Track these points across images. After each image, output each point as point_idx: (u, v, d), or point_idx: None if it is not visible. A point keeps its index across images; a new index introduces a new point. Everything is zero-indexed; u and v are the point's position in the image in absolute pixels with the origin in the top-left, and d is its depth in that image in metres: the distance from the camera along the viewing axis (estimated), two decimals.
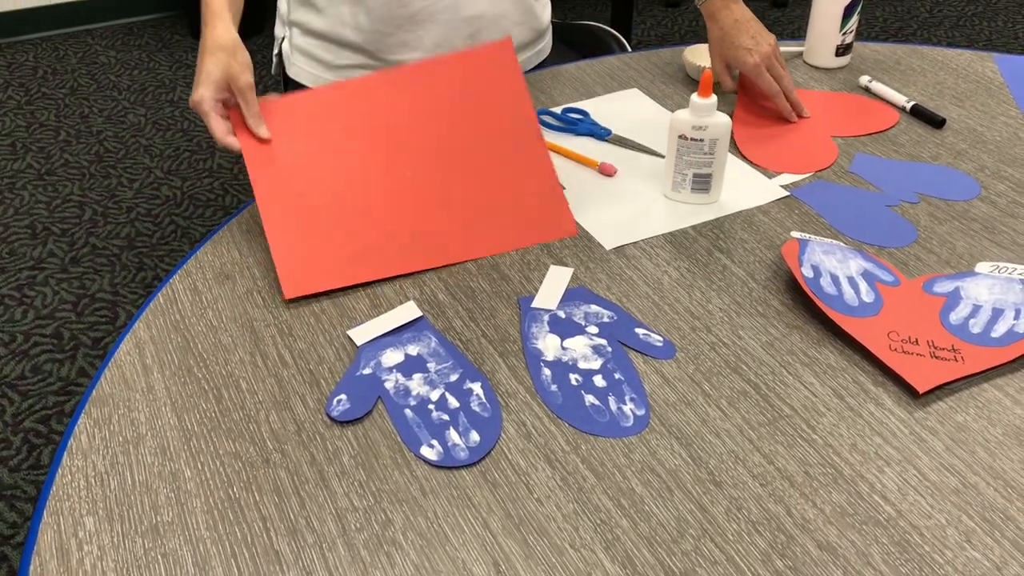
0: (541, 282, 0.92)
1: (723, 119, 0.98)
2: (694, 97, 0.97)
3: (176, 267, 0.94)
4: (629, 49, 1.53)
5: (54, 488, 0.71)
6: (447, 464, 0.73)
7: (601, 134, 1.18)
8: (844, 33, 1.27)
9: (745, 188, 1.06)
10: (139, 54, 3.20)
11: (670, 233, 0.99)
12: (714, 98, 0.97)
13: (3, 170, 2.55)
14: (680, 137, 0.99)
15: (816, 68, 1.31)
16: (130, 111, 2.84)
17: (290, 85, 1.33)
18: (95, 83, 3.00)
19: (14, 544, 1.58)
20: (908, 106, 1.19)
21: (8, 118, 2.80)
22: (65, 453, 0.74)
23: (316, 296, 0.90)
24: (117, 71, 3.07)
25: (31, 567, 0.66)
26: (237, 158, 2.58)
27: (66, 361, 1.94)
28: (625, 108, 1.21)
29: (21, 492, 1.67)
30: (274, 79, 2.79)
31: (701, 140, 0.99)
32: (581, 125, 1.18)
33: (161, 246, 2.27)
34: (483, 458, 0.74)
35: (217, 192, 2.46)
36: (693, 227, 1.00)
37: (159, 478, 0.72)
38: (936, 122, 1.16)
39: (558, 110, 1.21)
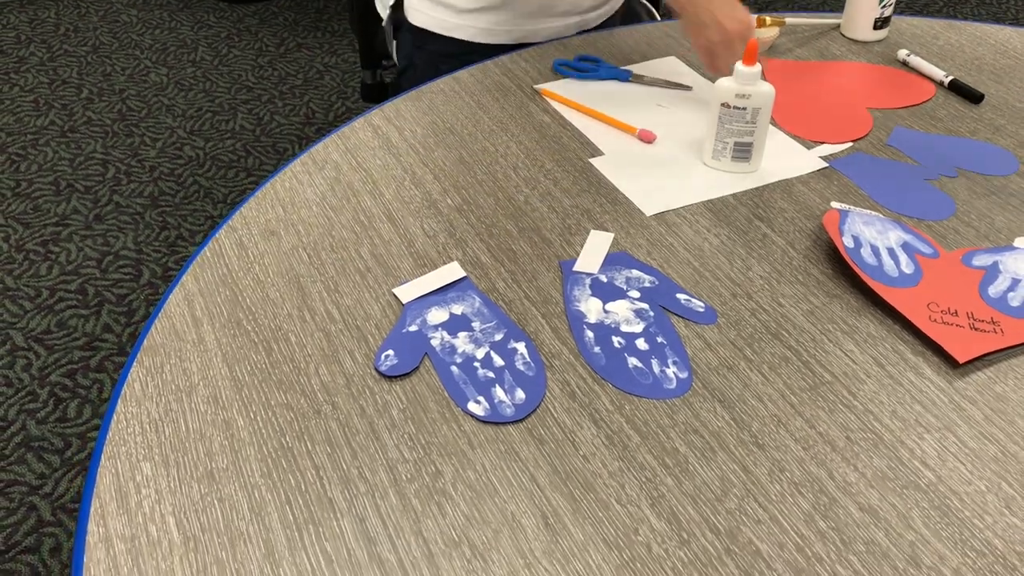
0: (582, 246, 0.93)
1: (767, 88, 0.98)
2: (739, 65, 0.98)
3: (221, 223, 0.95)
4: (659, 18, 1.53)
5: (110, 433, 0.73)
6: (494, 420, 0.75)
7: (623, 76, 1.19)
8: (883, 6, 1.27)
9: (784, 158, 1.06)
10: (160, 13, 3.19)
11: (710, 201, 0.99)
12: (759, 66, 0.97)
13: (27, 126, 2.56)
14: (723, 105, 1.00)
15: (853, 41, 1.31)
16: (152, 70, 2.84)
17: (404, 34, 1.35)
18: (117, 41, 3.00)
19: (42, 494, 1.61)
20: (946, 81, 1.19)
21: (31, 74, 2.81)
22: (119, 400, 0.76)
23: (360, 254, 0.91)
24: (139, 30, 3.07)
25: (92, 507, 0.68)
26: (260, 118, 2.59)
27: (91, 317, 1.96)
28: (665, 76, 1.21)
29: (48, 444, 1.69)
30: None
31: (744, 109, 0.99)
32: (601, 70, 1.19)
33: (184, 206, 2.28)
34: (529, 415, 0.75)
35: (239, 154, 2.47)
36: (733, 195, 1.00)
37: (212, 426, 0.74)
38: (975, 97, 1.16)
39: (571, 58, 1.23)
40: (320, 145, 1.07)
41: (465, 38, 1.31)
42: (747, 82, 0.98)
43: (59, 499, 1.60)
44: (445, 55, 1.31)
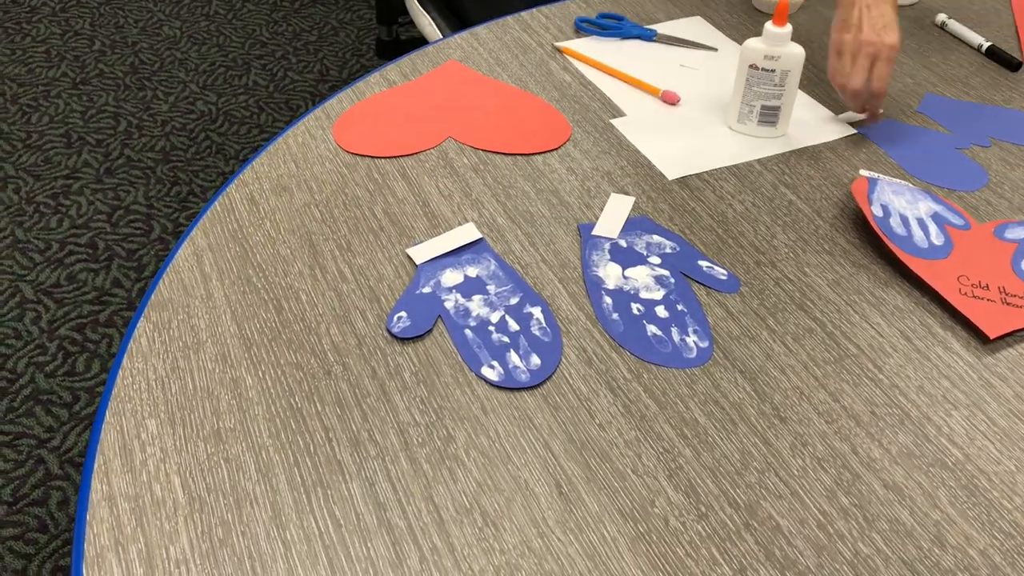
0: (602, 210, 0.90)
1: (797, 50, 0.95)
2: (768, 25, 0.94)
3: (232, 176, 0.93)
4: None
5: (115, 389, 0.71)
6: (508, 385, 0.73)
7: (647, 35, 1.16)
8: None
9: (812, 123, 1.03)
10: None
11: (735, 166, 0.97)
12: (789, 27, 0.94)
13: (38, 77, 2.53)
14: (750, 67, 0.96)
15: None
16: (165, 23, 2.80)
17: None
18: None
19: (50, 447, 1.61)
20: (984, 47, 1.15)
21: (43, 24, 2.77)
22: (125, 356, 0.74)
23: (374, 213, 0.89)
24: None
25: (95, 464, 0.66)
26: (273, 75, 2.56)
27: (100, 271, 1.95)
28: (688, 37, 1.18)
29: (57, 398, 1.69)
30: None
31: (772, 71, 0.96)
32: (625, 28, 1.16)
33: (196, 161, 2.26)
34: (544, 381, 0.73)
35: (252, 110, 2.44)
36: (758, 160, 0.97)
37: (220, 384, 0.72)
38: (1012, 65, 1.12)
39: (593, 15, 1.20)
40: (334, 99, 1.04)
41: None
42: (776, 43, 0.94)
43: (67, 453, 1.60)
44: None
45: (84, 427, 1.64)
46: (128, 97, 2.47)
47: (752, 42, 0.96)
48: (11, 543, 1.47)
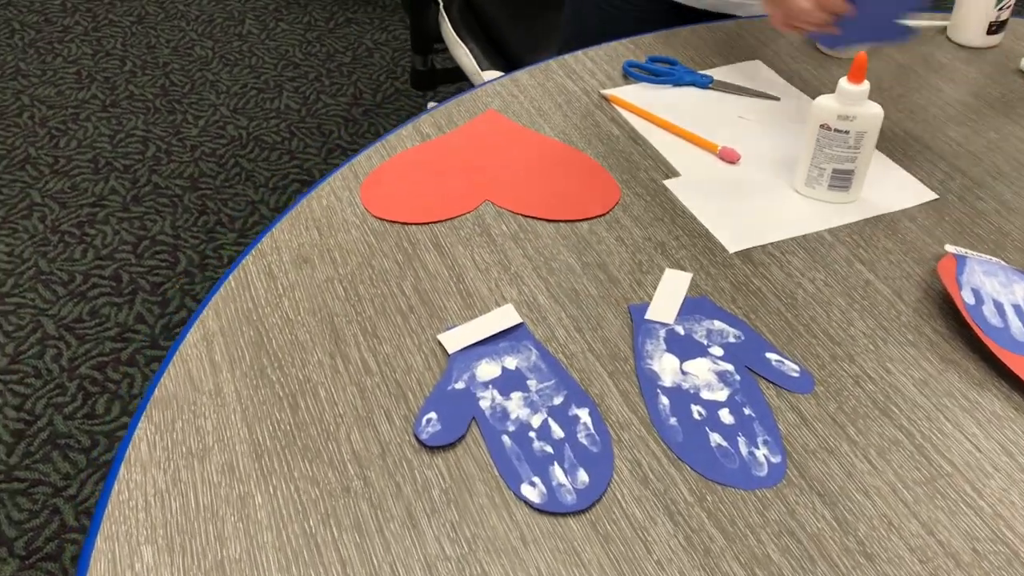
0: (655, 287, 0.81)
1: (875, 110, 0.85)
2: (843, 82, 0.85)
3: (251, 245, 0.85)
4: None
5: (109, 508, 0.63)
6: (551, 509, 0.64)
7: (703, 82, 1.07)
8: (1000, 7, 1.12)
9: (887, 186, 0.93)
10: None
11: (803, 236, 0.87)
12: (867, 84, 0.84)
13: (68, 99, 2.49)
14: (822, 127, 0.87)
15: (962, 47, 1.17)
16: (197, 43, 2.75)
17: None
18: (163, 12, 2.91)
19: (66, 496, 1.54)
20: None
21: (74, 44, 2.73)
22: (122, 464, 0.66)
23: (403, 289, 0.80)
24: (185, 1, 2.98)
25: None
26: (306, 98, 2.49)
27: (124, 306, 1.89)
28: (746, 84, 1.08)
29: (75, 442, 1.63)
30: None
31: (847, 132, 0.86)
32: (678, 74, 1.07)
33: (225, 189, 2.19)
34: (593, 504, 0.64)
35: (284, 135, 2.37)
36: (829, 231, 0.88)
37: (226, 502, 0.64)
38: None
39: (643, 59, 1.11)
40: (363, 156, 0.96)
41: None
42: (852, 102, 0.85)
43: (83, 503, 1.53)
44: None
45: (102, 475, 1.57)
46: (158, 121, 2.42)
47: (824, 100, 0.86)
48: None
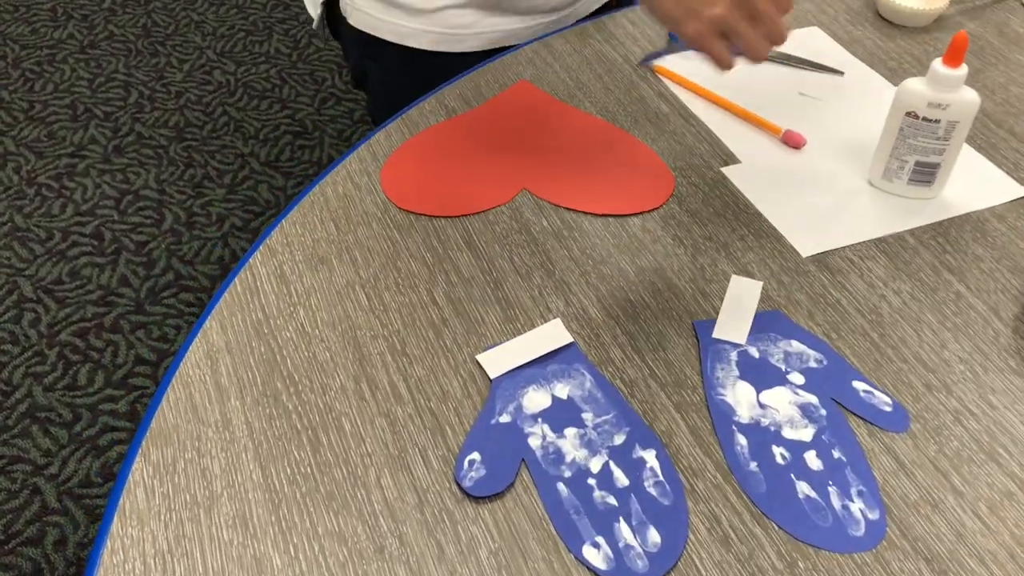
0: (721, 298, 0.71)
1: (971, 97, 0.75)
2: (937, 65, 0.74)
3: (257, 241, 0.74)
4: None
5: (100, 572, 0.54)
6: None
7: None
8: None
9: (970, 180, 0.83)
10: None
11: (882, 239, 0.77)
12: (964, 68, 0.74)
13: (43, 38, 2.33)
14: (908, 115, 0.77)
15: None
16: None
17: (348, 38, 1.05)
18: None
19: (47, 475, 1.45)
20: None
21: None
22: (116, 516, 0.56)
23: (434, 298, 0.70)
24: None
25: None
26: (296, 41, 2.35)
27: (106, 267, 1.77)
28: (806, 56, 0.97)
29: (56, 416, 1.52)
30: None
31: (936, 122, 0.76)
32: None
33: (212, 140, 2.06)
34: (669, 571, 0.55)
35: (274, 81, 2.23)
36: (911, 232, 0.78)
37: (239, 566, 0.54)
38: None
39: None
40: (381, 132, 0.85)
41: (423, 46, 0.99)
42: (947, 88, 0.74)
43: (66, 483, 1.44)
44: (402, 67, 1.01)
45: (85, 452, 1.48)
46: (140, 64, 2.27)
47: (913, 84, 0.76)
48: None
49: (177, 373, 0.64)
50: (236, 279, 0.71)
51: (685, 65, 0.94)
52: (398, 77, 1.02)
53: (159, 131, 2.08)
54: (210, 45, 2.34)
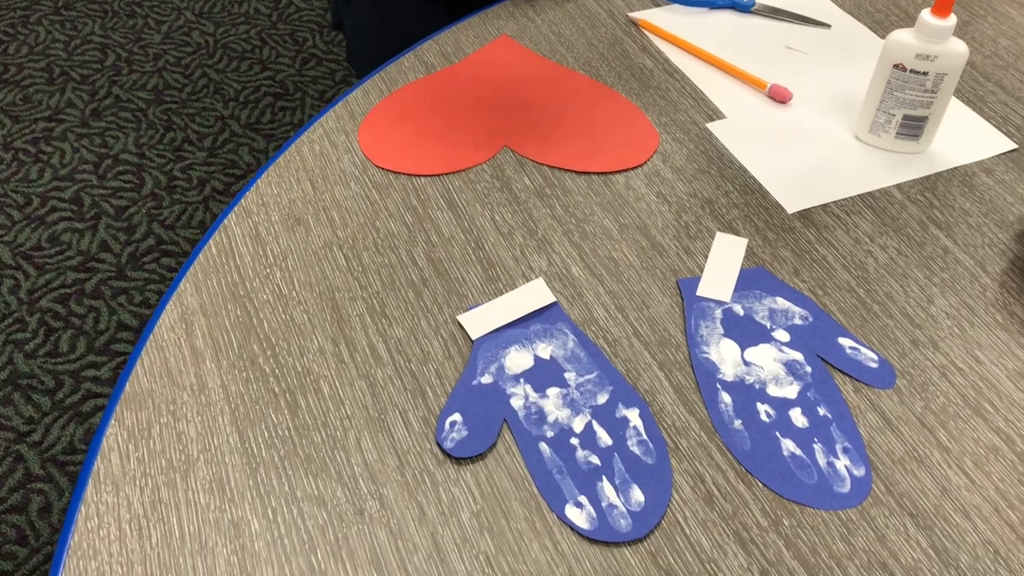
0: (705, 256, 0.70)
1: (960, 48, 0.74)
2: (926, 15, 0.73)
3: (233, 201, 0.72)
4: None
5: (75, 538, 0.53)
6: (603, 537, 0.54)
7: (745, 5, 0.94)
8: None
9: (959, 134, 0.82)
10: None
11: (869, 194, 0.76)
12: (953, 19, 0.72)
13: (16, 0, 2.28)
14: (895, 66, 0.75)
15: None
16: None
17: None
18: None
19: (30, 443, 1.43)
20: None
21: None
22: (90, 481, 0.55)
23: (414, 258, 0.69)
24: None
25: None
26: (277, 1, 2.30)
27: (86, 232, 1.75)
28: (792, 8, 0.96)
29: (38, 383, 1.51)
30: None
31: (924, 74, 0.74)
32: None
33: (192, 102, 2.03)
34: (652, 530, 0.55)
35: (254, 42, 2.19)
36: (898, 186, 0.77)
37: (216, 530, 0.53)
38: None
39: None
40: (359, 90, 0.83)
41: None
42: (935, 39, 0.73)
43: (49, 449, 1.43)
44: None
45: (68, 419, 1.47)
46: (116, 25, 2.23)
47: (900, 35, 0.74)
48: None
49: (151, 336, 0.63)
50: (211, 241, 0.69)
51: (670, 19, 0.92)
52: (371, 19, 0.99)
53: (137, 94, 2.05)
54: (188, 6, 2.30)
